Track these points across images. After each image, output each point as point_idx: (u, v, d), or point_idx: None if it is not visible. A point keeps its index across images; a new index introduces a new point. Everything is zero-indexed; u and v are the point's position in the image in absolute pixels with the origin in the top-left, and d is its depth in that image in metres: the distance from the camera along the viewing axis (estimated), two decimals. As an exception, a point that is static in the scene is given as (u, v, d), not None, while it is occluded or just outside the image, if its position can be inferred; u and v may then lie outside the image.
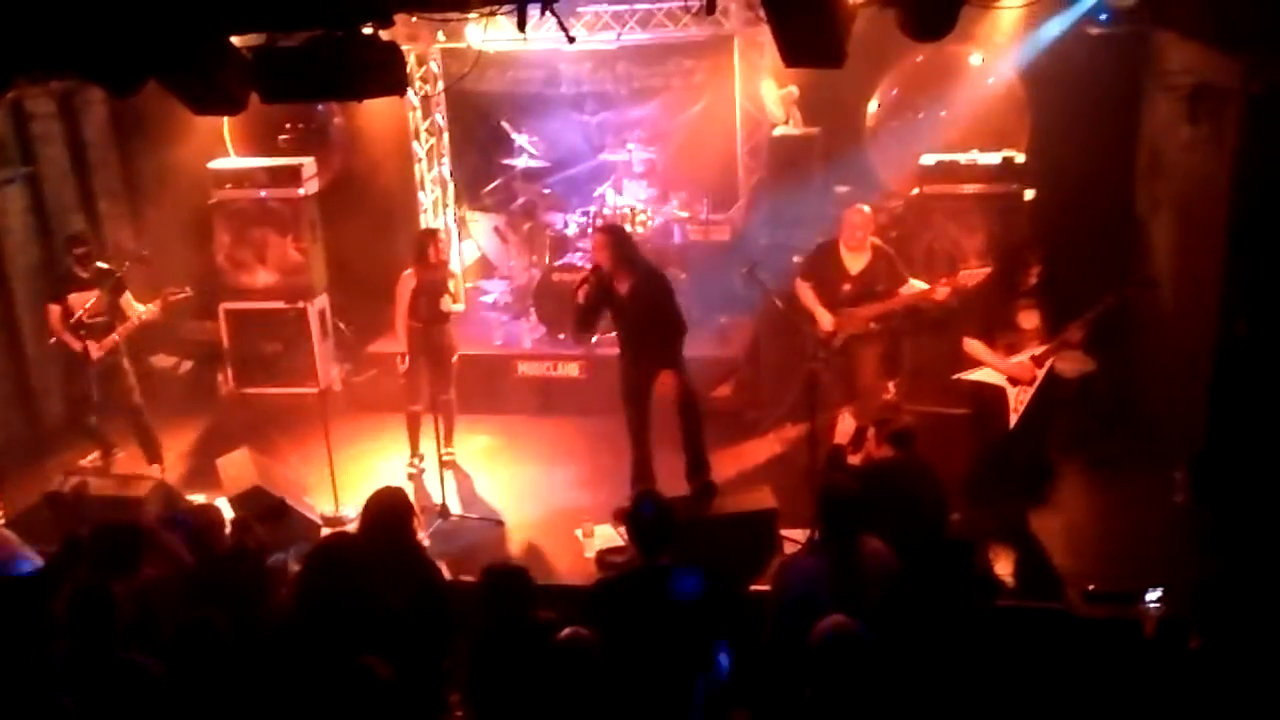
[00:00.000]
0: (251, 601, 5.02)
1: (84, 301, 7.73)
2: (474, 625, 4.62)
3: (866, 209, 7.33)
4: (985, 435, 6.68)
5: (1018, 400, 6.41)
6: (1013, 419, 6.42)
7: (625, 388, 7.11)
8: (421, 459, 8.00)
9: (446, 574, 5.48)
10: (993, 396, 6.49)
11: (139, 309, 7.89)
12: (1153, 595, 4.94)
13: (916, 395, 8.02)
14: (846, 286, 7.19)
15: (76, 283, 7.84)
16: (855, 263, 7.21)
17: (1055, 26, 7.80)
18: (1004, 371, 6.43)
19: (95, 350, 7.71)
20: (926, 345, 7.99)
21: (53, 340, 7.88)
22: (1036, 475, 6.74)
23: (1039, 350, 6.37)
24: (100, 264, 8.00)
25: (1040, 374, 6.35)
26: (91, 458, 8.23)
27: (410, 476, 7.92)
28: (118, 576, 4.63)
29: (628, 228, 9.22)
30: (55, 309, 7.81)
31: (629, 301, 6.89)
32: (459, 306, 8.03)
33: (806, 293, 7.29)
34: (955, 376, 6.68)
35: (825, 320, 7.17)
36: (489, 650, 4.47)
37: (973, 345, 6.55)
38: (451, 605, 4.93)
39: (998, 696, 4.88)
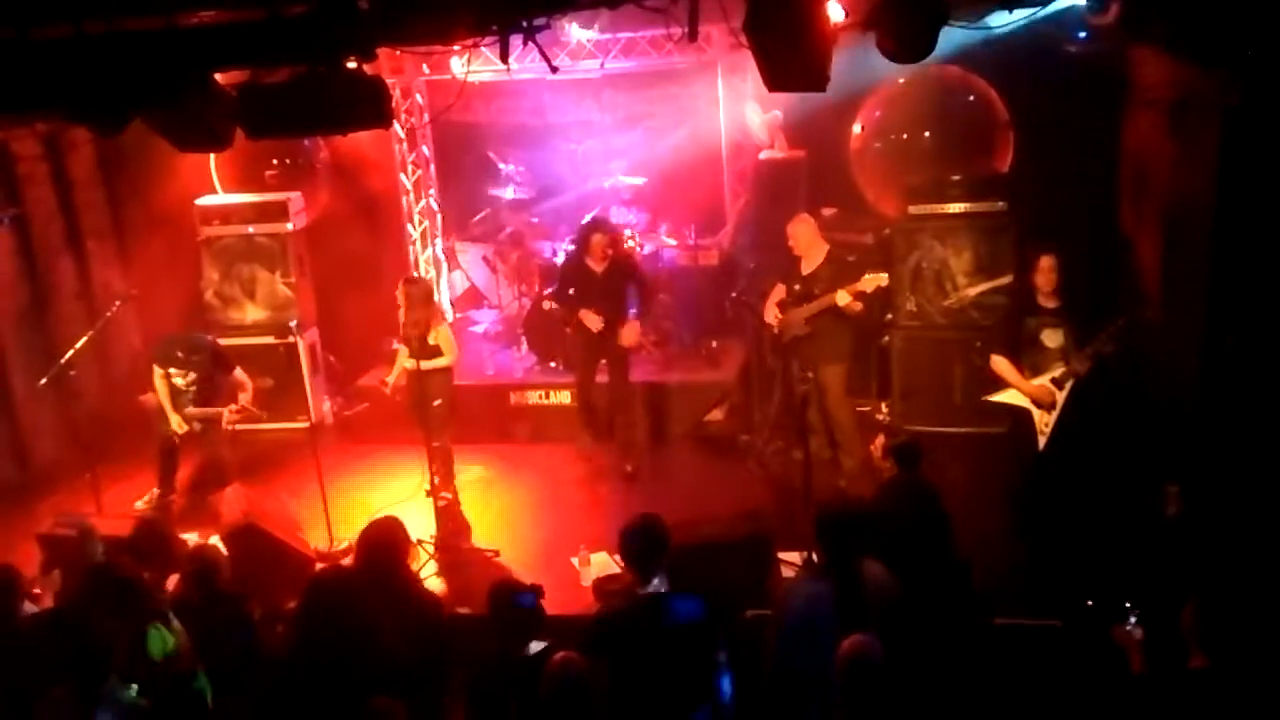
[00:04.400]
0: (247, 640, 4.99)
1: None
2: (474, 655, 4.60)
3: (805, 215, 7.59)
4: (1018, 456, 6.62)
5: (1043, 422, 6.36)
6: (1041, 441, 6.39)
7: (580, 354, 8.25)
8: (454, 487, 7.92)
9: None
10: (1021, 418, 6.46)
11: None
12: (1131, 619, 4.45)
13: (909, 416, 8.04)
14: (796, 287, 7.47)
15: None
16: (806, 265, 7.48)
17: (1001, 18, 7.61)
18: (1026, 394, 6.40)
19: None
20: (918, 366, 8.01)
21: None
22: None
23: (1059, 372, 6.34)
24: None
25: (1061, 396, 6.30)
26: None
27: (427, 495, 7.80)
28: (120, 617, 4.59)
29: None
30: None
31: (602, 280, 7.95)
32: (413, 365, 7.42)
33: (776, 294, 7.57)
34: (985, 398, 6.67)
35: (769, 315, 7.51)
36: (492, 674, 4.43)
37: (999, 363, 6.52)
38: (449, 638, 4.90)
39: (997, 714, 4.88)
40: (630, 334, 8.06)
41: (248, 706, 4.51)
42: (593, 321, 7.93)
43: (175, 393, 7.83)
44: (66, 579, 5.69)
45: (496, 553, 7.28)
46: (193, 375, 7.84)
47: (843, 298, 7.11)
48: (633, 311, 8.20)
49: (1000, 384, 6.58)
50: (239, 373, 7.99)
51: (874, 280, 7.15)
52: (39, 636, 4.81)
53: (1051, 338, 6.41)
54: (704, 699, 4.44)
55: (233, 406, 7.87)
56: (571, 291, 8.16)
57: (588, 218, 8.88)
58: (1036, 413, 6.40)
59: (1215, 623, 3.85)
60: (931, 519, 5.65)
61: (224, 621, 5.00)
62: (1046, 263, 6.47)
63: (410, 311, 7.42)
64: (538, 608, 4.43)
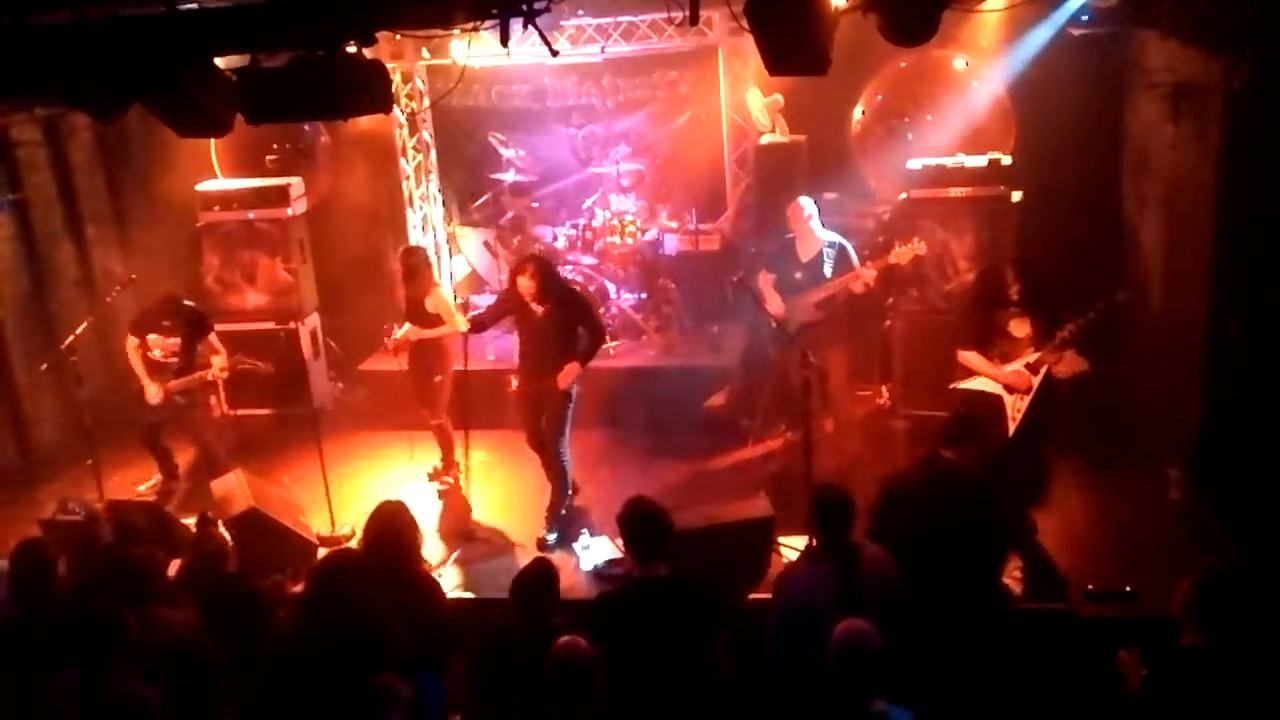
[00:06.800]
0: (252, 623, 5.00)
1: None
2: (476, 639, 4.61)
3: (803, 199, 7.53)
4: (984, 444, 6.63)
5: (1014, 408, 6.38)
6: (1011, 427, 6.40)
7: (523, 410, 7.44)
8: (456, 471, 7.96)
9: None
10: (990, 404, 6.47)
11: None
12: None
13: (910, 400, 8.04)
14: (798, 274, 7.42)
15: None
16: (806, 251, 7.44)
17: (1041, 33, 7.83)
18: (1001, 380, 6.40)
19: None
20: (919, 350, 7.99)
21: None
22: (1035, 479, 6.72)
23: (1033, 357, 6.36)
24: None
25: (1037, 381, 6.32)
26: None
27: (429, 479, 7.95)
28: (133, 606, 4.60)
29: (614, 239, 9.52)
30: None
31: (542, 321, 7.03)
32: (407, 331, 7.68)
33: (766, 282, 7.50)
34: (951, 386, 6.65)
35: (774, 305, 7.37)
36: (495, 657, 4.44)
37: (968, 357, 6.52)
38: (451, 623, 4.91)
39: (1001, 698, 4.89)
40: (567, 375, 6.95)
41: (254, 688, 4.51)
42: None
43: (154, 367, 7.75)
44: (71, 564, 5.69)
45: (498, 537, 7.30)
46: (174, 341, 7.73)
47: (867, 274, 7.09)
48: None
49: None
50: (213, 337, 7.98)
51: (909, 251, 7.16)
52: (57, 618, 4.82)
53: (1019, 328, 6.41)
54: (702, 682, 4.45)
55: (219, 366, 7.84)
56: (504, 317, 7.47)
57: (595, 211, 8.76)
58: (1009, 399, 6.40)
59: (1214, 603, 3.85)
60: (968, 515, 5.35)
61: (231, 604, 5.01)
62: (1010, 275, 6.50)
63: (409, 280, 7.60)
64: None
